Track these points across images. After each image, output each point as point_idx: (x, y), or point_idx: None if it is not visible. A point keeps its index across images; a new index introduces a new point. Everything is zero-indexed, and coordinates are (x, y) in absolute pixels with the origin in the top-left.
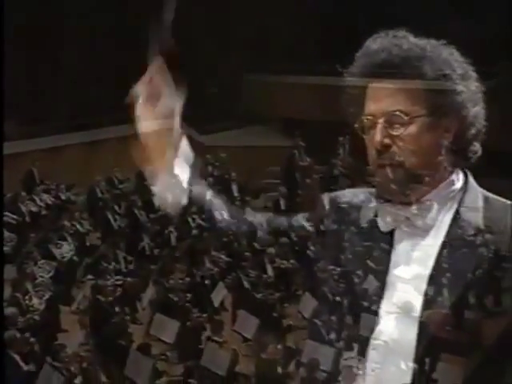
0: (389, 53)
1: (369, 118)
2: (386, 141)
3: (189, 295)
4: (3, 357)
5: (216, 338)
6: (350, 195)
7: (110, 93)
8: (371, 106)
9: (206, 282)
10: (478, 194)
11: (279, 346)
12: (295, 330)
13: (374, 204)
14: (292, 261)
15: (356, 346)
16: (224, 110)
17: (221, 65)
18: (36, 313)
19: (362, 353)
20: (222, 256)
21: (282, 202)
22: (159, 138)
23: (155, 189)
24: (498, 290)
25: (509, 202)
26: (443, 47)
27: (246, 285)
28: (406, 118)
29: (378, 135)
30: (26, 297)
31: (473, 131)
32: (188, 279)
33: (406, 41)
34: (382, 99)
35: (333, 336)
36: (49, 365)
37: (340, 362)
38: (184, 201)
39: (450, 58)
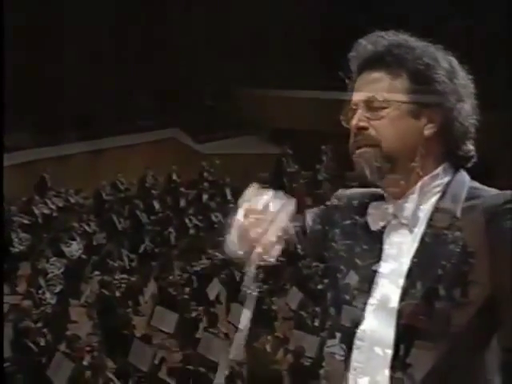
0: (375, 45)
1: (352, 107)
2: (362, 123)
3: (187, 290)
4: (3, 355)
5: (212, 330)
6: (353, 194)
7: (116, 106)
8: (355, 96)
9: (202, 277)
10: (463, 186)
11: (269, 336)
12: (283, 321)
13: (369, 203)
14: (280, 258)
15: (338, 335)
16: (219, 121)
17: (217, 80)
18: (48, 305)
19: (344, 341)
20: (217, 253)
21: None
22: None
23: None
24: (464, 283)
25: (495, 191)
26: (435, 47)
27: (239, 280)
28: (382, 101)
29: (354, 118)
30: (40, 291)
31: (459, 128)
32: (186, 275)
33: (394, 34)
34: (364, 88)
35: (317, 326)
36: (60, 353)
37: (323, 350)
38: None
39: (438, 54)
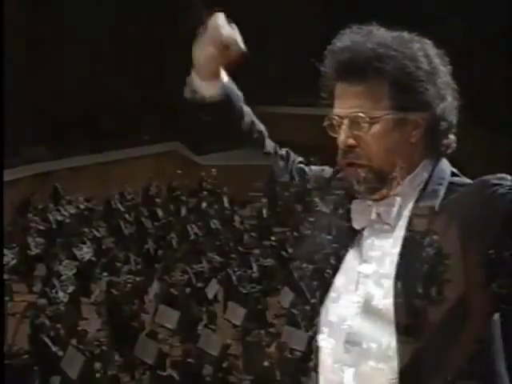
0: (352, 52)
1: (335, 117)
2: (351, 141)
3: (187, 289)
4: (3, 355)
5: (211, 327)
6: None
7: (123, 121)
8: (337, 107)
9: (202, 278)
10: (442, 181)
11: (262, 331)
12: (276, 318)
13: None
14: (271, 260)
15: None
16: (216, 135)
17: None
18: (61, 304)
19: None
20: (215, 256)
21: (265, 211)
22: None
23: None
24: (440, 282)
25: (469, 181)
26: (414, 41)
27: (235, 280)
28: (368, 119)
29: (342, 135)
30: (54, 290)
31: (443, 125)
32: (186, 276)
33: (371, 38)
34: (346, 100)
35: (306, 322)
36: (73, 347)
37: (312, 343)
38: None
39: (418, 54)
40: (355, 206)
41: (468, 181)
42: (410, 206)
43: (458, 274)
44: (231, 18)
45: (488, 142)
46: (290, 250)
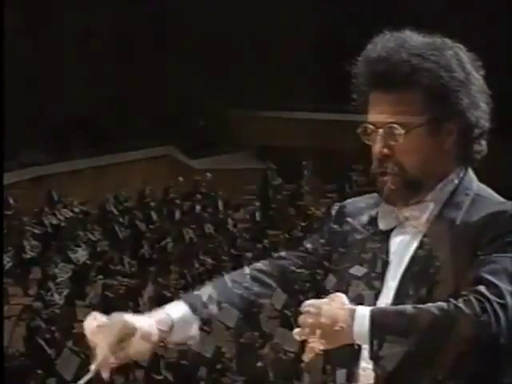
0: (388, 63)
1: (370, 126)
2: (386, 151)
3: (181, 292)
4: (3, 356)
5: (204, 328)
6: (357, 202)
7: (118, 124)
8: (372, 115)
9: (196, 280)
10: (469, 192)
11: (255, 333)
12: (269, 319)
13: (378, 206)
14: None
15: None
16: (210, 139)
17: (209, 103)
18: (57, 306)
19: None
20: (208, 259)
21: (258, 214)
22: None
23: None
24: (431, 284)
25: (499, 201)
26: (447, 48)
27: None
28: (403, 130)
29: (377, 146)
30: (49, 293)
31: (476, 132)
32: (180, 279)
33: (405, 47)
34: (380, 108)
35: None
36: (68, 349)
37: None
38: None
39: (452, 62)
40: (383, 208)
41: (493, 194)
42: (435, 212)
43: (452, 278)
44: (231, 18)
45: (488, 143)
46: (283, 253)
